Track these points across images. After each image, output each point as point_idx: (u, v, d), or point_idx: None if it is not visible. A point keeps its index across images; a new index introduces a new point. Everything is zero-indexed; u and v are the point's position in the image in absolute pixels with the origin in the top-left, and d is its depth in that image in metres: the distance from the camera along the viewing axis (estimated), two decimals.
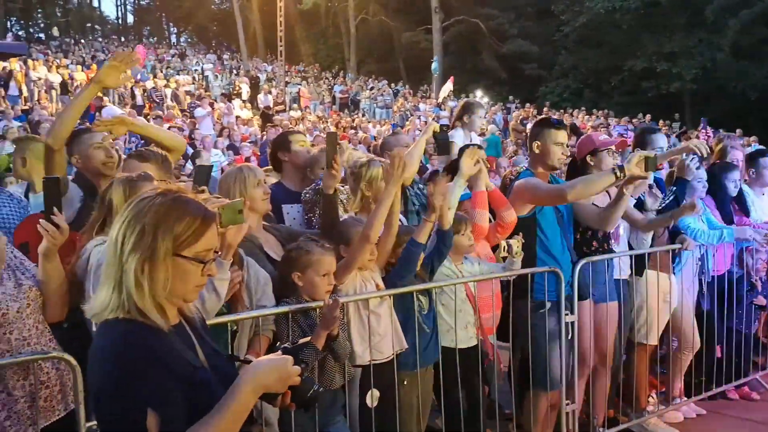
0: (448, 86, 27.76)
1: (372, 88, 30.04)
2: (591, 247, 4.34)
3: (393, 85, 31.76)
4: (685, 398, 4.97)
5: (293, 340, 1.91)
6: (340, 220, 3.51)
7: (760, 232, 4.98)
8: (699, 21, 30.21)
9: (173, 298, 1.63)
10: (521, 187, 4.06)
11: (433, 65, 32.53)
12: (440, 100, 26.87)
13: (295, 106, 25.42)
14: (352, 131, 19.53)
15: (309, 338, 2.60)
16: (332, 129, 18.47)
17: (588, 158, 4.49)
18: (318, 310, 3.04)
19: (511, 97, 30.02)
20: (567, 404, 4.15)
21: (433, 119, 21.53)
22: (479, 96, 30.27)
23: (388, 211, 3.29)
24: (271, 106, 23.13)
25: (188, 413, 1.54)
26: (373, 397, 3.28)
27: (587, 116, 24.94)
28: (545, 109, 27.24)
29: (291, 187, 3.97)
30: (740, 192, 5.29)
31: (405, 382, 3.43)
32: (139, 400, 1.47)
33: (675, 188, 4.49)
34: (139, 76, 21.99)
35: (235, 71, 29.99)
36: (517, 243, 3.73)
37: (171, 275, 1.59)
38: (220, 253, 2.30)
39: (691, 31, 30.54)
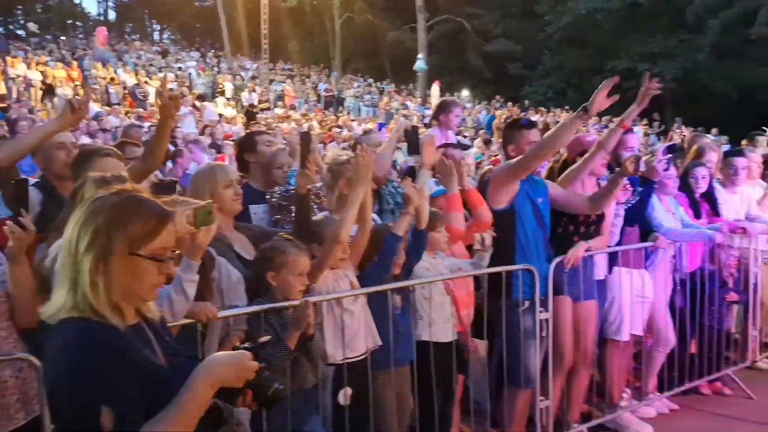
0: (435, 90, 27.80)
1: (358, 86, 30.05)
2: (571, 242, 4.35)
3: (378, 83, 31.77)
4: (659, 393, 5.04)
5: (254, 339, 1.92)
6: (313, 219, 3.53)
7: (722, 226, 5.04)
8: (680, 22, 30.48)
9: (130, 298, 1.65)
10: (498, 171, 4.16)
11: (417, 63, 32.53)
12: (434, 104, 26.89)
13: (280, 104, 25.37)
14: (337, 129, 19.51)
15: (269, 336, 2.61)
16: (312, 128, 18.48)
17: (578, 159, 4.53)
18: (291, 309, 3.05)
19: (497, 96, 30.11)
20: (541, 401, 4.20)
21: (419, 119, 21.58)
22: (465, 95, 30.35)
23: (361, 209, 3.32)
24: (256, 104, 23.07)
25: (148, 411, 1.55)
26: (345, 396, 3.30)
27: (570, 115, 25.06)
28: (529, 108, 27.40)
29: (258, 188, 3.97)
30: (711, 191, 5.37)
31: (380, 380, 3.45)
32: (93, 397, 1.49)
33: (642, 189, 4.55)
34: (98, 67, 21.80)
35: (217, 69, 29.85)
36: (488, 236, 3.78)
37: (127, 275, 1.60)
38: (179, 252, 2.31)
39: (671, 31, 30.80)
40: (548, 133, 3.93)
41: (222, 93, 24.22)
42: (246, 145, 4.13)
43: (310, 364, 3.12)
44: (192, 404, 1.55)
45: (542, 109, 26.17)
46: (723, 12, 28.16)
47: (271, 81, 28.42)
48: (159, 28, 58.29)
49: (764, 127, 8.07)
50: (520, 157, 4.00)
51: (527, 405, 4.21)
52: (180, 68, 27.77)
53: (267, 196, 3.87)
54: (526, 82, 35.26)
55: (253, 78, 28.66)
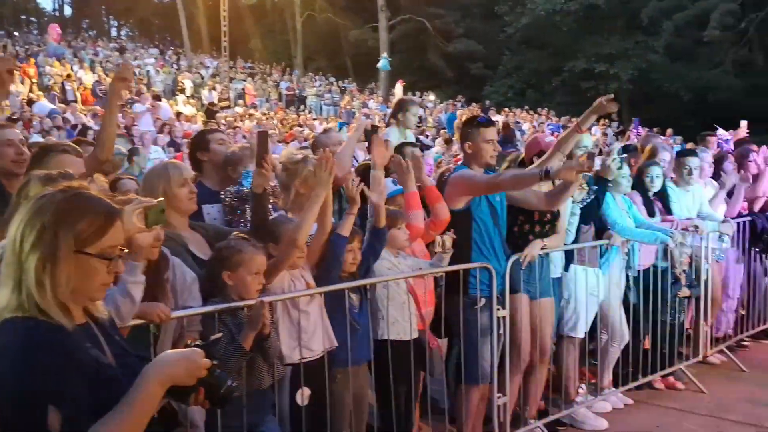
0: (399, 89, 27.84)
1: (319, 85, 29.92)
2: (527, 240, 4.40)
3: (341, 82, 31.69)
4: (614, 389, 5.13)
5: (206, 337, 1.89)
6: (270, 218, 3.51)
7: (674, 234, 5.13)
8: (635, 24, 31.17)
9: (78, 297, 1.61)
10: (458, 178, 4.18)
11: (381, 62, 32.46)
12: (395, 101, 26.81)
13: (240, 102, 25.12)
14: (298, 128, 19.39)
15: (221, 334, 2.58)
16: (273, 126, 18.37)
17: (535, 159, 4.59)
18: (246, 309, 3.03)
19: (459, 96, 30.31)
20: (498, 397, 4.24)
21: (381, 118, 21.57)
22: (431, 98, 30.46)
23: (320, 210, 3.31)
24: (216, 102, 22.80)
25: (96, 411, 1.51)
26: (303, 396, 3.29)
27: (531, 115, 25.37)
28: (490, 108, 27.62)
29: (212, 187, 3.92)
30: (664, 190, 5.49)
31: (338, 378, 3.44)
32: (39, 397, 1.45)
33: (596, 188, 4.63)
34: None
35: (177, 66, 29.40)
36: (449, 239, 3.80)
37: (74, 273, 1.57)
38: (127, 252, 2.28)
39: (627, 33, 31.50)
40: (508, 174, 4.12)
41: (182, 91, 23.88)
42: (199, 144, 4.08)
43: (266, 365, 3.09)
44: (141, 403, 1.52)
45: (506, 109, 26.43)
46: (677, 14, 28.85)
47: (232, 79, 28.13)
48: (116, 24, 57.22)
49: (716, 125, 8.25)
50: (480, 178, 4.10)
51: (484, 401, 4.25)
52: (139, 65, 27.27)
53: (222, 196, 3.82)
54: (487, 82, 35.60)
55: (214, 76, 28.32)
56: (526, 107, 27.40)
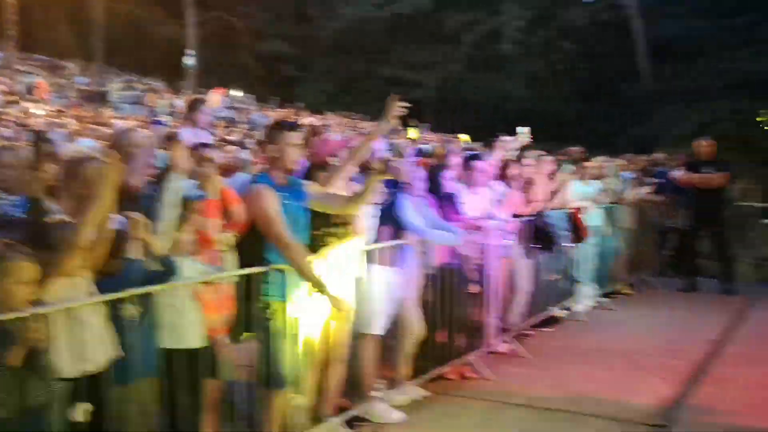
0: (216, 98, 26.94)
1: (122, 81, 28.28)
2: (324, 243, 4.43)
3: (145, 79, 30.19)
4: (409, 382, 5.37)
5: None
6: (47, 222, 3.25)
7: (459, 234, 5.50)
8: (439, 35, 33.12)
9: None
10: (256, 201, 4.03)
11: (185, 59, 31.27)
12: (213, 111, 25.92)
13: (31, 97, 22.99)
14: (95, 126, 18.09)
15: None
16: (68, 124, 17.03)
17: (328, 159, 4.65)
18: (13, 323, 2.77)
19: (273, 98, 30.14)
20: (295, 398, 4.25)
21: None
22: (238, 96, 29.98)
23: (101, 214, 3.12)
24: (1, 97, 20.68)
25: None
26: (84, 412, 3.07)
27: (340, 119, 25.90)
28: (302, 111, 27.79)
29: None
30: (455, 192, 5.86)
31: (121, 393, 3.26)
32: None
33: (392, 190, 4.83)
34: None
35: None
36: (228, 238, 3.77)
37: None
38: None
39: (432, 43, 33.35)
40: (300, 258, 3.98)
41: None
42: None
43: (41, 382, 2.86)
44: None
45: (318, 113, 26.68)
46: (476, 27, 31.07)
47: (21, 72, 25.71)
48: None
49: (497, 133, 8.83)
50: (277, 230, 3.94)
51: (284, 404, 4.24)
52: None
53: None
54: (300, 84, 35.85)
55: None
56: (337, 110, 27.95)
